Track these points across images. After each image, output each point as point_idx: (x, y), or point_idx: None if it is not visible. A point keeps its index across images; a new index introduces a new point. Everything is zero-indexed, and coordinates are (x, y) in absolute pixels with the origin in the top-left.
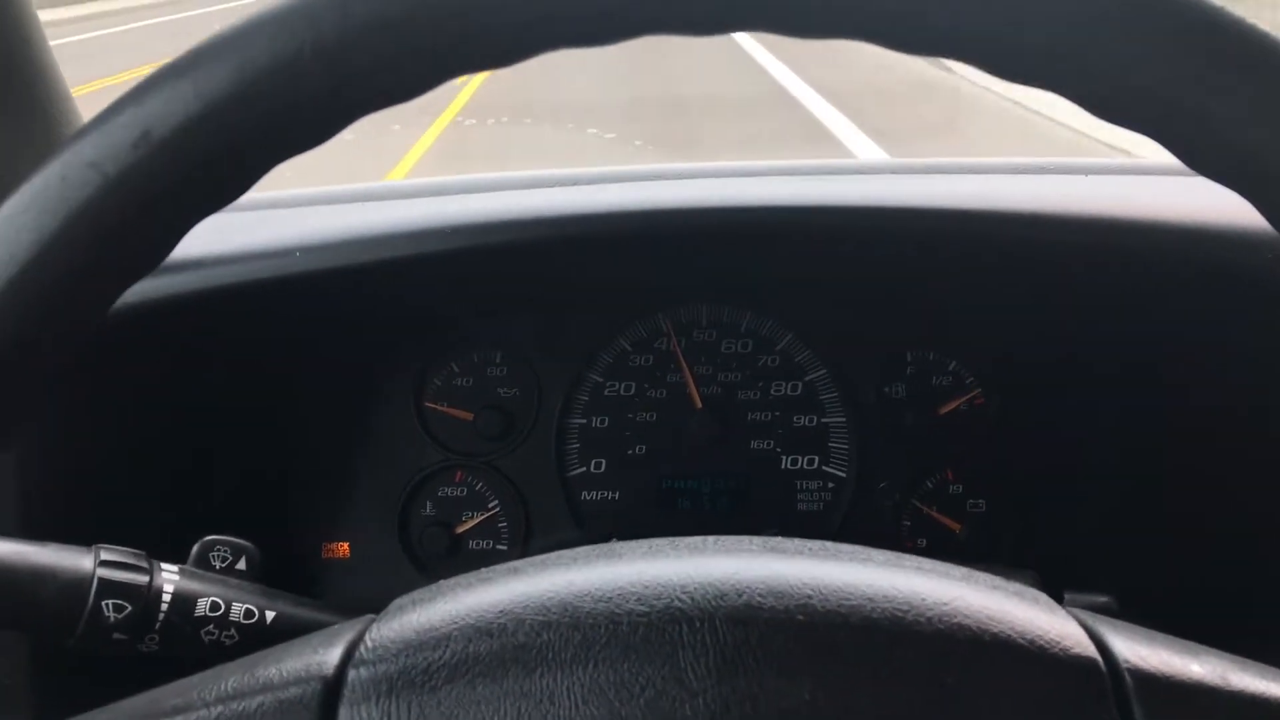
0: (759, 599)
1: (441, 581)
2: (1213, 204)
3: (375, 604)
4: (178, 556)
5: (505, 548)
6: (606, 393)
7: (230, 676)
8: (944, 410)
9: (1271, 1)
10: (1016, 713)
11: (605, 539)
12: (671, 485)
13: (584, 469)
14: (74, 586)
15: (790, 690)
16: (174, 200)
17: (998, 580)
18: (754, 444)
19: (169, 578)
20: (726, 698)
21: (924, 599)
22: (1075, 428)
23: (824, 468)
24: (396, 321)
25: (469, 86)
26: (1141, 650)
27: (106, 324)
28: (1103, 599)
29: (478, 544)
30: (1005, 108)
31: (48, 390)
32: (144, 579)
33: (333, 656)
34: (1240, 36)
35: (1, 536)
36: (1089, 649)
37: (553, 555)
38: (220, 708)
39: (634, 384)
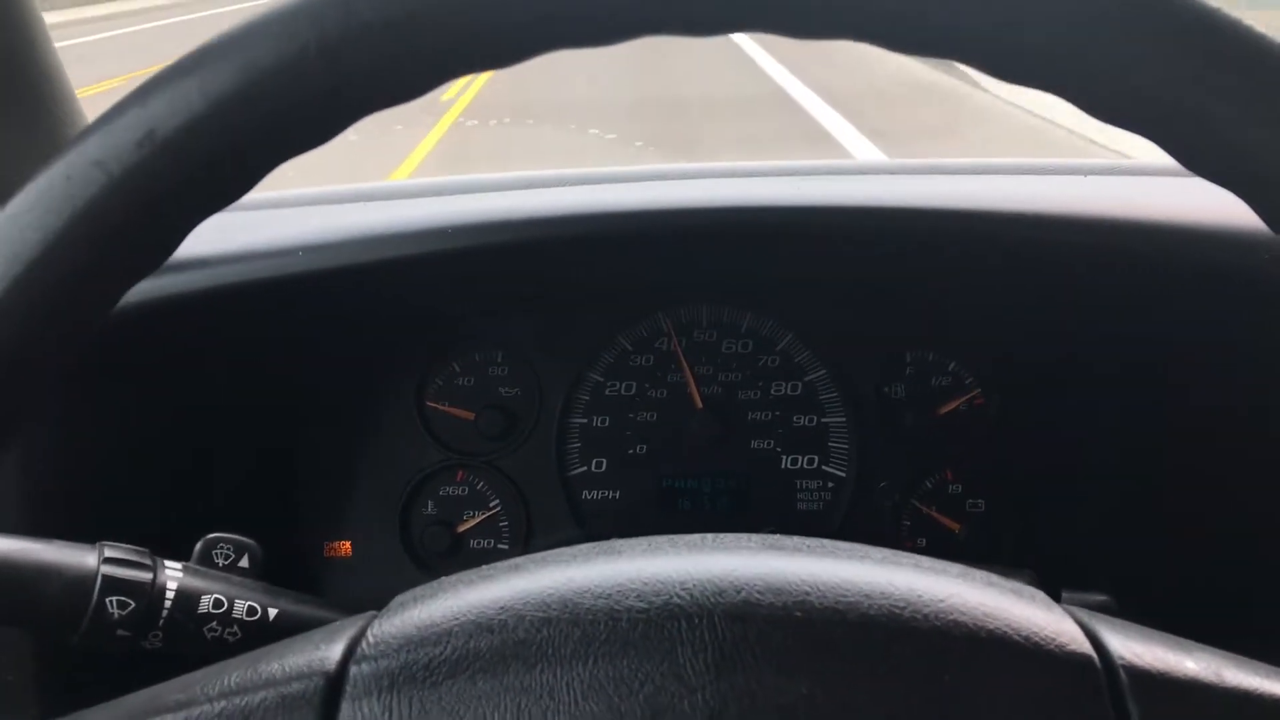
0: (757, 596)
1: (443, 578)
2: (1211, 205)
3: (377, 602)
4: (181, 554)
5: (506, 547)
6: (607, 392)
7: (233, 672)
8: (943, 410)
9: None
10: (1012, 709)
11: (606, 539)
12: (672, 485)
13: (585, 468)
14: (78, 583)
15: (788, 686)
16: (178, 199)
17: (994, 578)
18: (754, 444)
19: (172, 575)
20: (724, 693)
21: (921, 596)
22: (1074, 428)
23: (824, 467)
24: (398, 321)
25: (471, 88)
26: (1136, 647)
27: (110, 323)
28: (1100, 598)
29: (479, 543)
30: (1005, 109)
31: (52, 389)
32: (147, 576)
33: (335, 652)
34: (1236, 37)
35: (6, 534)
36: (1084, 646)
37: (553, 552)
38: (223, 703)
39: (635, 384)
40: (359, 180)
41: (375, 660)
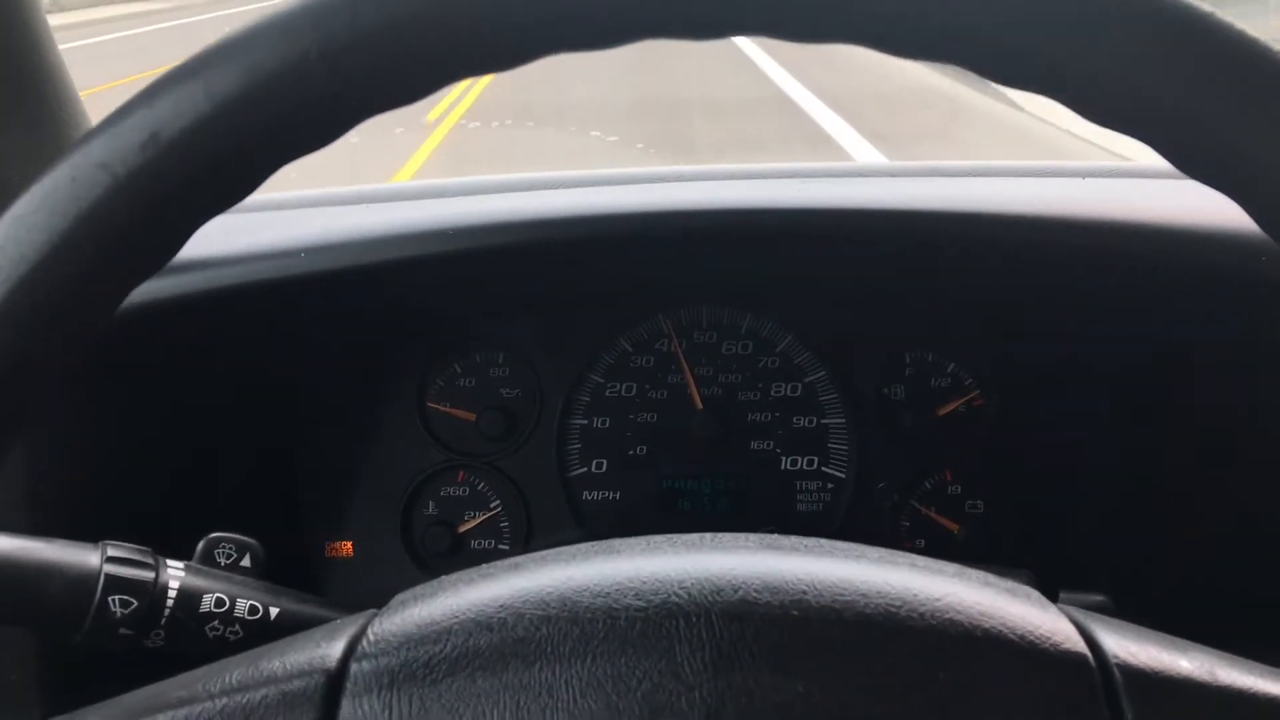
0: (754, 594)
1: (443, 577)
2: (1208, 207)
3: (378, 602)
4: (183, 553)
5: (507, 547)
6: (608, 394)
7: (234, 669)
8: (943, 411)
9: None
10: (1008, 707)
11: (606, 539)
12: (672, 486)
13: (585, 469)
14: (81, 582)
15: (785, 684)
16: (182, 201)
17: (990, 577)
18: (754, 445)
19: (174, 574)
20: (722, 692)
21: (917, 595)
22: (1073, 429)
23: (823, 468)
24: (400, 322)
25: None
26: (1131, 646)
27: (113, 323)
28: (1097, 598)
29: (479, 543)
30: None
31: (56, 390)
32: (150, 575)
33: (335, 650)
34: (1228, 41)
35: (9, 533)
36: (1079, 645)
37: (552, 551)
38: (225, 700)
39: (635, 385)
40: (361, 182)
41: (376, 658)
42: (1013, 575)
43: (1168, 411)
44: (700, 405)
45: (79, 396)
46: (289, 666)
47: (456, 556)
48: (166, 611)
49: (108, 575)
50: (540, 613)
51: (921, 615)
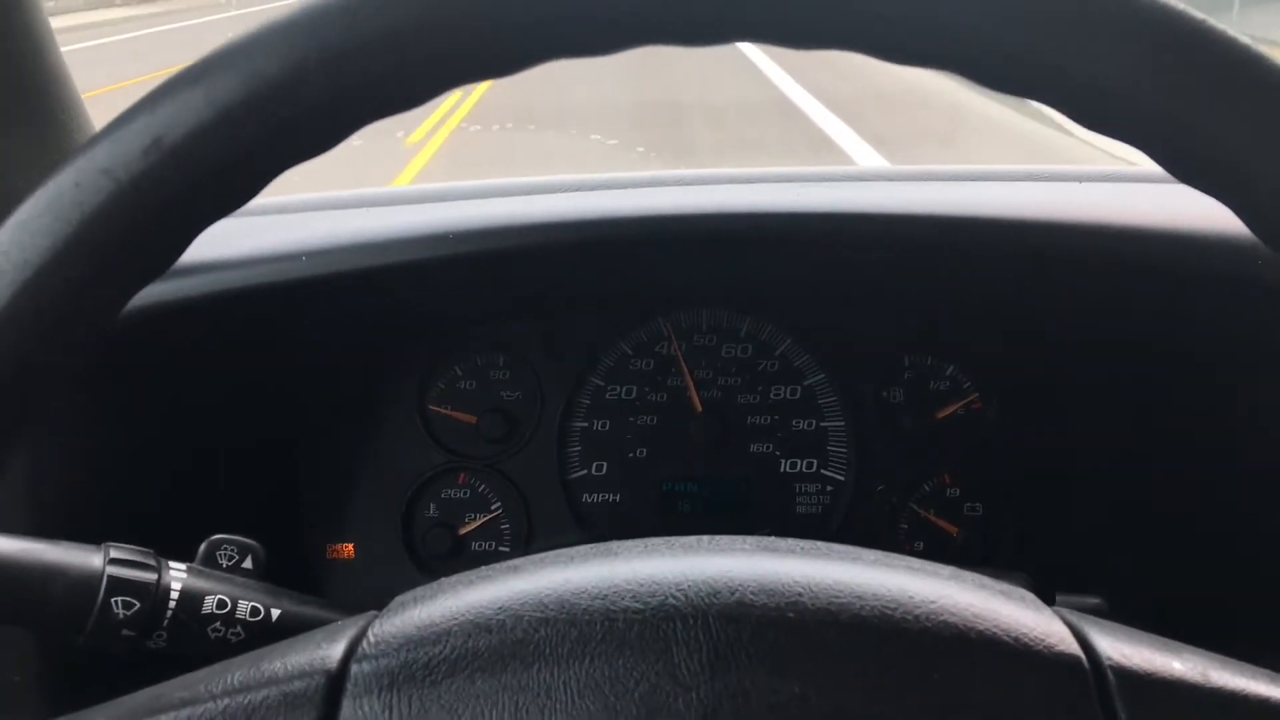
0: (751, 597)
1: (442, 579)
2: (1206, 211)
3: (378, 604)
4: (185, 555)
5: (507, 549)
6: (608, 396)
7: (236, 670)
8: (941, 415)
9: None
10: (1002, 709)
11: (606, 541)
12: (672, 488)
13: (585, 471)
14: (83, 584)
15: (781, 686)
16: (184, 206)
17: (985, 579)
18: (753, 447)
19: (177, 576)
20: (719, 693)
21: (912, 597)
22: (1071, 432)
23: (823, 471)
24: (401, 325)
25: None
26: (1124, 648)
27: (117, 326)
28: (1093, 601)
29: (480, 545)
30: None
31: (59, 393)
32: (152, 577)
33: (336, 651)
34: (1220, 48)
35: (12, 535)
36: (1073, 647)
37: (550, 554)
38: (226, 700)
39: (635, 388)
40: (361, 185)
41: (376, 659)
42: (1009, 578)
43: (1166, 415)
44: (700, 408)
45: (82, 399)
46: (290, 667)
47: (457, 558)
48: (169, 613)
49: (110, 577)
50: (539, 615)
51: (916, 617)
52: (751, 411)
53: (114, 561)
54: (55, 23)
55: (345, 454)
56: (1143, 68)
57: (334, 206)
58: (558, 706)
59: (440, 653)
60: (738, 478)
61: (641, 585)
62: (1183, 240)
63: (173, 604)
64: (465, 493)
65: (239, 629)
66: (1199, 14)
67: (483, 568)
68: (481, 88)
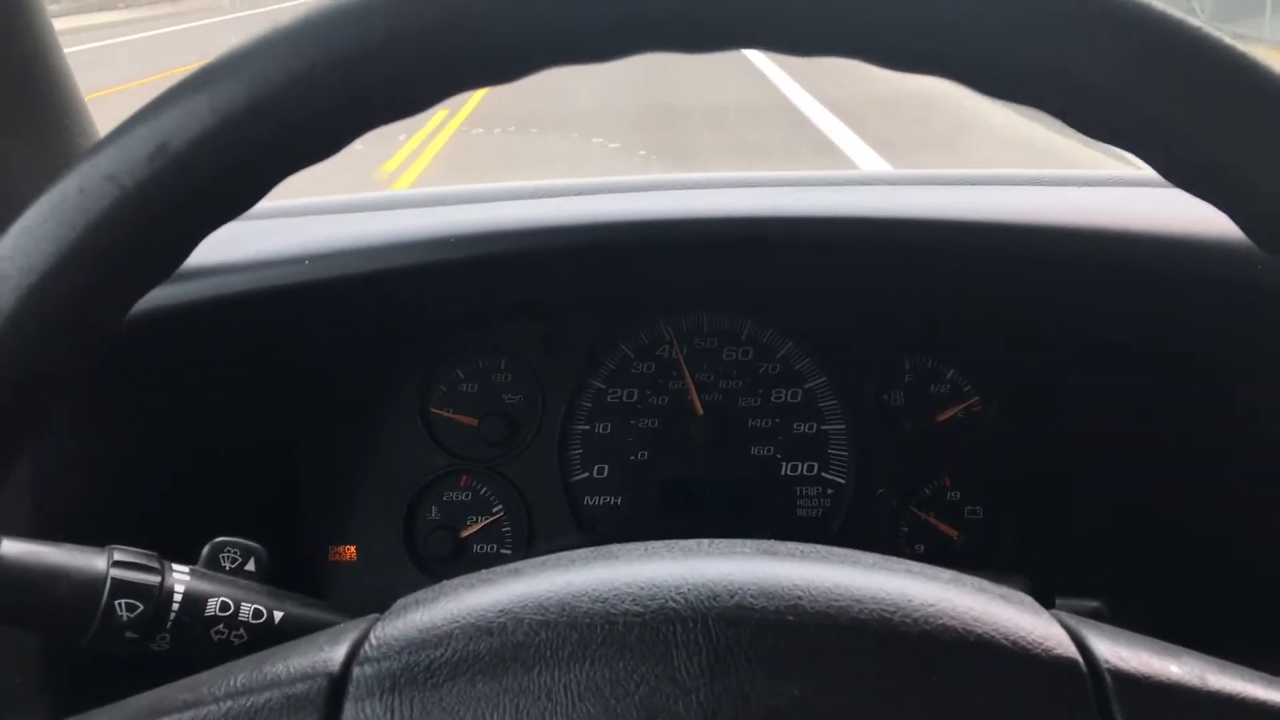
0: (750, 600)
1: (444, 582)
2: (1204, 215)
3: (380, 606)
4: (188, 558)
5: (509, 552)
6: (609, 399)
7: (239, 673)
8: (942, 418)
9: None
10: (1000, 712)
11: (608, 544)
12: (673, 491)
13: (587, 474)
14: (87, 586)
15: (780, 689)
16: (189, 212)
17: (984, 583)
18: (754, 450)
19: (180, 578)
20: (718, 696)
21: (910, 600)
22: (1071, 435)
23: (823, 474)
24: (403, 328)
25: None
26: (1122, 651)
27: (120, 329)
28: (1093, 604)
29: (482, 548)
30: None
31: (64, 397)
32: (156, 579)
33: (338, 654)
34: (1216, 55)
35: (17, 537)
36: (1070, 650)
37: (551, 557)
38: (229, 703)
39: (636, 391)
40: (361, 187)
41: (377, 662)
42: (1009, 581)
43: (1165, 417)
44: (701, 411)
45: (87, 402)
46: (292, 670)
47: (459, 561)
48: (172, 615)
49: (114, 579)
50: (539, 618)
51: (915, 620)
52: (752, 414)
53: (118, 564)
54: (76, 21)
55: (347, 457)
56: (1138, 74)
57: (337, 210)
58: (558, 709)
59: (441, 655)
60: (739, 480)
61: (641, 588)
62: (1182, 244)
63: (176, 606)
64: (467, 495)
65: (242, 631)
66: (1194, 21)
67: (484, 571)
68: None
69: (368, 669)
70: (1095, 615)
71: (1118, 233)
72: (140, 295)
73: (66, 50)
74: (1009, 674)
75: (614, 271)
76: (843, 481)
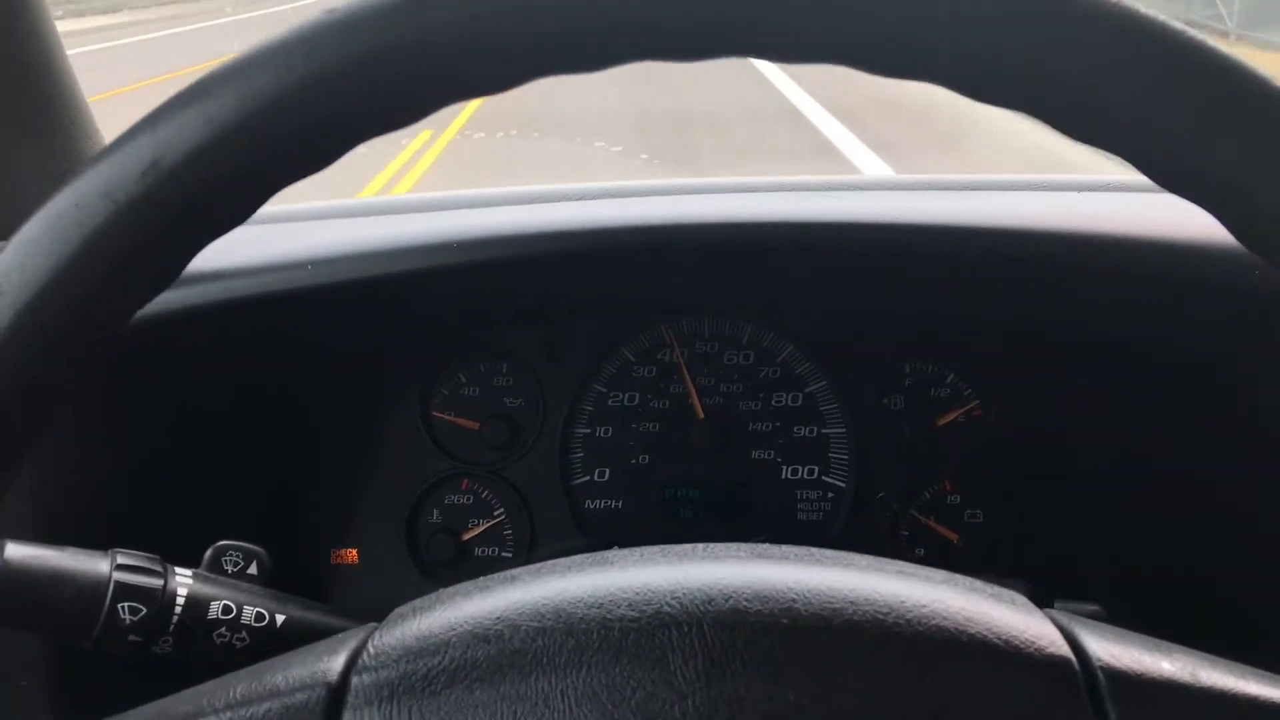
0: (745, 604)
1: (441, 590)
2: (1203, 220)
3: (382, 608)
4: (191, 561)
5: (510, 555)
6: (610, 403)
7: (239, 684)
8: (942, 422)
9: None
10: (995, 711)
11: (608, 547)
12: (674, 494)
13: (588, 478)
14: (91, 589)
15: (775, 692)
16: (183, 226)
17: (977, 583)
18: (755, 454)
19: (183, 581)
20: (714, 699)
21: (904, 602)
22: (1071, 439)
23: (824, 478)
24: (404, 332)
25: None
26: (1114, 649)
27: (123, 334)
28: (1091, 608)
29: (483, 551)
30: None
31: (64, 407)
32: (159, 583)
33: (337, 664)
34: (1199, 56)
35: (21, 541)
36: (1064, 649)
37: (547, 563)
38: (229, 714)
39: (637, 394)
40: (359, 192)
41: (376, 671)
42: (1008, 584)
43: (1166, 421)
44: (702, 415)
45: (90, 406)
46: (291, 680)
47: (460, 564)
48: (175, 618)
49: (117, 583)
50: (536, 624)
51: (909, 622)
52: (753, 418)
53: (121, 567)
54: (85, 23)
55: (349, 460)
56: (1124, 78)
57: (339, 215)
58: (555, 715)
59: (439, 663)
60: (739, 484)
61: (637, 594)
62: (1181, 249)
63: (179, 609)
64: (468, 498)
65: (244, 634)
66: (1182, 25)
67: (481, 578)
68: None
69: (366, 678)
70: (1094, 618)
71: (1117, 237)
72: (139, 307)
73: (69, 52)
74: (1003, 673)
75: (615, 276)
76: (843, 485)
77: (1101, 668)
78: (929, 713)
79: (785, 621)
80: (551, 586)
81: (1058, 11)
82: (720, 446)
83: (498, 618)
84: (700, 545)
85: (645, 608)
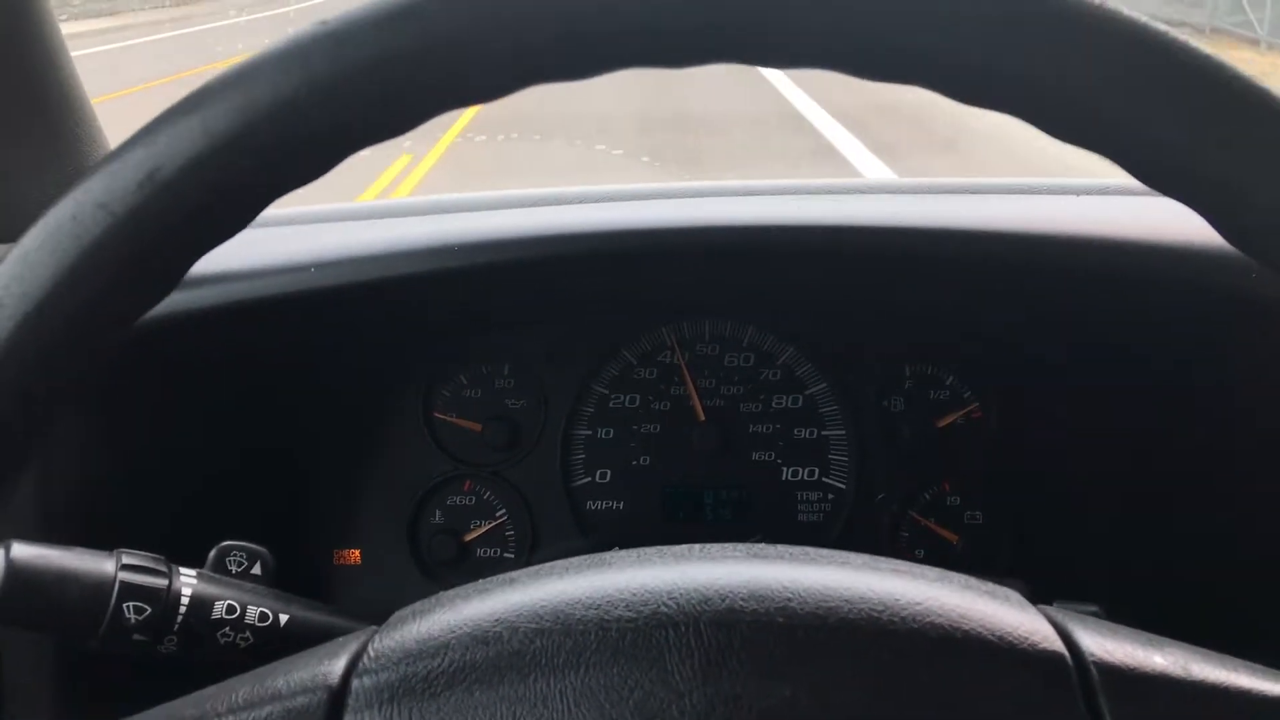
0: (741, 603)
1: (441, 593)
2: (1201, 222)
3: (384, 609)
4: (195, 561)
5: (512, 556)
6: (611, 405)
7: (241, 688)
8: (942, 423)
9: None
10: (989, 706)
11: (609, 548)
12: (675, 496)
13: (589, 479)
14: (97, 589)
15: (772, 689)
16: (180, 237)
17: (972, 580)
18: (755, 455)
19: (187, 581)
20: (711, 698)
21: (898, 599)
22: (1070, 441)
23: (824, 479)
24: (407, 335)
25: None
26: (1107, 644)
27: (127, 337)
28: (1090, 609)
29: (485, 552)
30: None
31: (62, 417)
32: (163, 583)
33: (337, 667)
34: (1184, 58)
35: (28, 541)
36: (1057, 644)
37: (545, 565)
38: (232, 718)
39: (638, 396)
40: (359, 194)
41: (376, 673)
42: (1006, 584)
43: (1164, 423)
44: (702, 416)
45: (95, 409)
46: (293, 684)
47: (462, 565)
48: (179, 618)
49: (122, 582)
50: (534, 626)
51: (904, 619)
52: (753, 420)
53: (126, 567)
54: (93, 25)
55: (352, 461)
56: (1111, 81)
57: (343, 218)
58: (554, 715)
59: (439, 665)
60: (740, 486)
61: (634, 595)
62: (1181, 252)
63: (183, 609)
64: (470, 500)
65: (248, 634)
66: (1166, 28)
67: (480, 581)
68: None
69: (366, 680)
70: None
71: (1116, 241)
72: (138, 317)
73: (74, 54)
74: (997, 669)
75: (617, 278)
76: (843, 487)
77: (1094, 662)
78: (924, 708)
79: (781, 620)
80: (549, 588)
81: (1044, 14)
82: (721, 448)
83: (496, 620)
84: (696, 546)
85: (642, 608)
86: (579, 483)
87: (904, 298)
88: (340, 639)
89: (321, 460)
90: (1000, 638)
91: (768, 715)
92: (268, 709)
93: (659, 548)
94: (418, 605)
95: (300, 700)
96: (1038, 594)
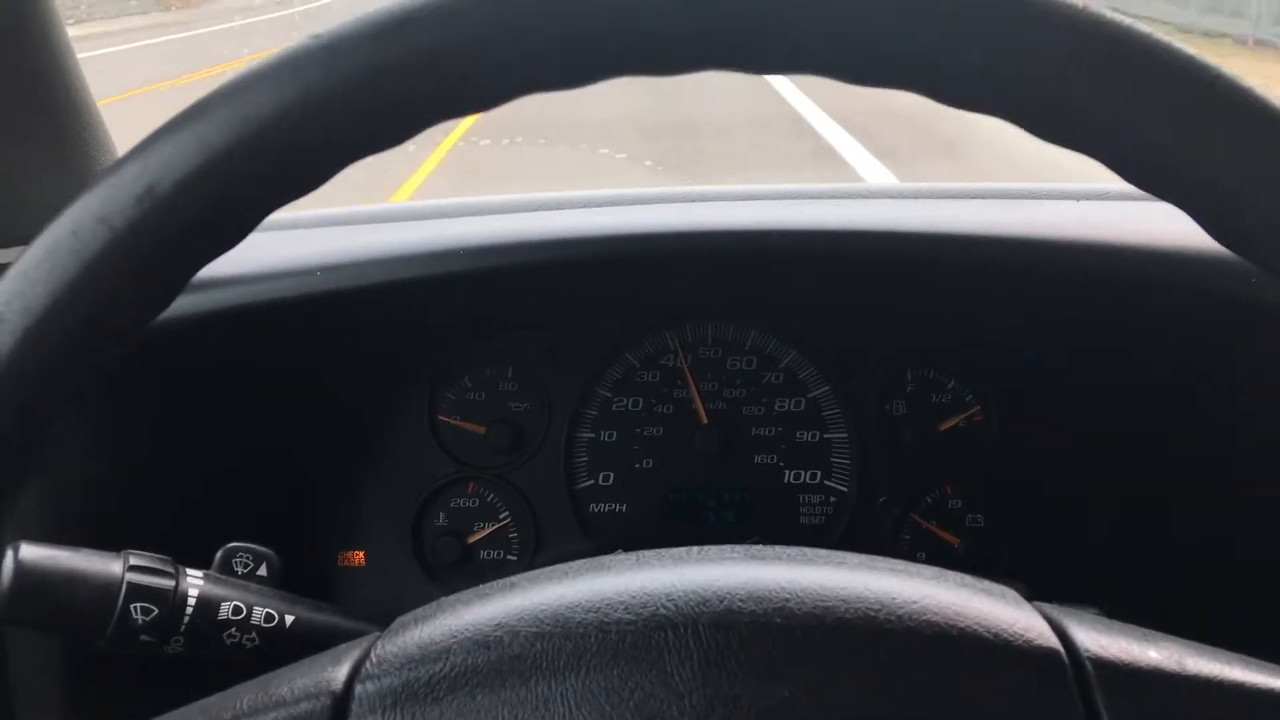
0: (739, 604)
1: (442, 599)
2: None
3: (388, 610)
4: (202, 562)
5: (515, 558)
6: (614, 408)
7: (245, 695)
8: (944, 427)
9: None
10: (985, 703)
11: (613, 550)
12: (677, 498)
13: (592, 482)
14: (104, 590)
15: (770, 689)
16: (179, 250)
17: (967, 579)
18: (758, 458)
19: (194, 582)
20: (710, 699)
21: (895, 598)
22: (1071, 445)
23: (826, 482)
24: (411, 338)
25: None
26: (1102, 639)
27: (128, 348)
28: (1091, 611)
29: (488, 554)
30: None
31: (63, 428)
32: (170, 583)
33: (341, 673)
34: (1169, 59)
35: (36, 542)
36: (1052, 640)
37: (545, 570)
38: None
39: (641, 399)
40: (361, 195)
41: (379, 679)
42: (1005, 585)
43: (1164, 427)
44: (705, 419)
45: (102, 411)
46: (296, 690)
47: (466, 567)
48: (186, 619)
49: (130, 583)
50: (535, 629)
51: (900, 618)
52: (756, 423)
53: (133, 568)
54: (98, 27)
55: (357, 464)
56: (1098, 82)
57: (347, 222)
58: (556, 718)
59: (441, 670)
60: (742, 488)
61: (633, 597)
62: (1181, 257)
63: (190, 610)
64: (474, 502)
65: (254, 635)
66: (1152, 29)
67: (480, 586)
68: None
69: (369, 686)
70: None
71: (1117, 245)
72: (138, 330)
73: (79, 56)
74: (992, 666)
75: (620, 282)
76: (845, 490)
77: (1089, 658)
78: (921, 706)
79: (779, 620)
80: (549, 592)
81: (1028, 16)
82: (723, 451)
83: (497, 624)
84: (695, 548)
85: (641, 610)
86: (582, 485)
87: (906, 302)
88: (343, 645)
89: (326, 463)
90: (996, 635)
91: (767, 715)
92: (272, 716)
93: (657, 550)
94: (419, 611)
95: (304, 706)
96: (1038, 596)
